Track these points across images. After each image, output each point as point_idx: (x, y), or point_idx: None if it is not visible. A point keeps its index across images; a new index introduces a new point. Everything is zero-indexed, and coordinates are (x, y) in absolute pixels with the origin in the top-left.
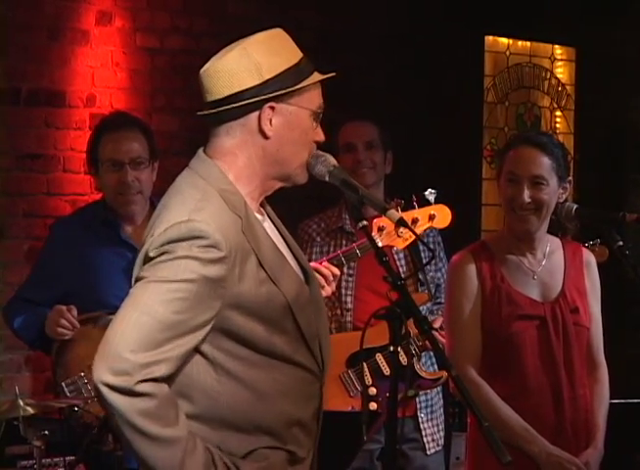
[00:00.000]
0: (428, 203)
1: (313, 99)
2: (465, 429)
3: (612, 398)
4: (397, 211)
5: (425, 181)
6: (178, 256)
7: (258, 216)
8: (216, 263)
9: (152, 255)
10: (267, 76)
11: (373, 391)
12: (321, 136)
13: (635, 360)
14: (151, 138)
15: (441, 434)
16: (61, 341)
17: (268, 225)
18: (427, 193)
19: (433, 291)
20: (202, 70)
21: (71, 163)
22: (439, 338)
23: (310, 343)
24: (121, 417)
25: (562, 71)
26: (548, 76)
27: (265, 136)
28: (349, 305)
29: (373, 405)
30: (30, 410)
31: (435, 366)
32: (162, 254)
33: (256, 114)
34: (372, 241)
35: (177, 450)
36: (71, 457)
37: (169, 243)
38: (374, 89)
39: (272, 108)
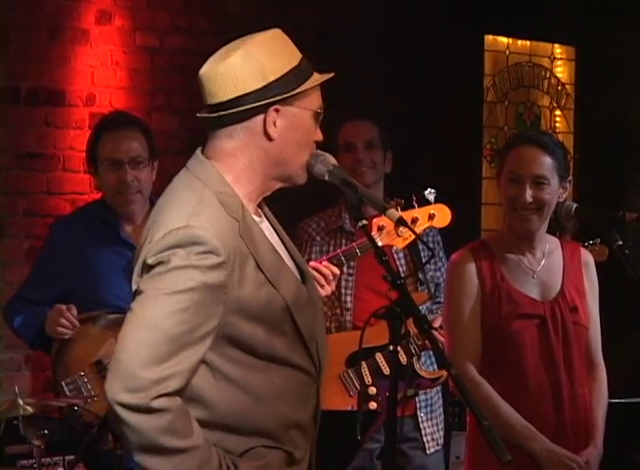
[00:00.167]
0: (427, 202)
1: (314, 100)
2: (465, 428)
3: (612, 397)
4: (397, 210)
5: (424, 180)
6: (177, 265)
7: (256, 218)
8: (215, 269)
9: (150, 262)
10: (271, 79)
11: (373, 390)
12: (320, 136)
13: (635, 360)
14: (150, 137)
15: (441, 433)
16: (61, 340)
17: (266, 226)
18: (426, 192)
19: (432, 290)
20: (202, 73)
21: (71, 162)
22: (439, 337)
23: (309, 344)
24: (141, 436)
25: (562, 71)
26: (548, 76)
27: (270, 138)
28: (349, 305)
29: (373, 405)
30: (30, 409)
31: (435, 366)
32: (160, 263)
33: (262, 116)
34: (372, 240)
35: (195, 460)
36: (71, 456)
37: (167, 249)
38: (374, 89)
39: (277, 110)
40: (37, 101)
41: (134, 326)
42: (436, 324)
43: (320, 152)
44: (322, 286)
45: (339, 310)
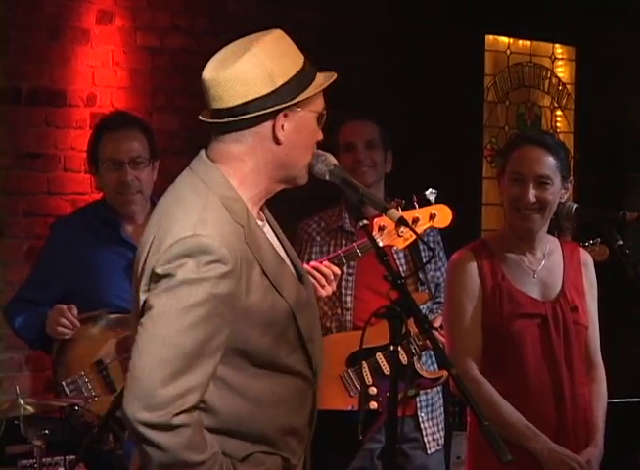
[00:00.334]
0: (428, 202)
1: (318, 101)
2: (465, 428)
3: (612, 397)
4: (398, 210)
5: (425, 181)
6: (186, 279)
7: (259, 222)
8: (224, 279)
9: (159, 272)
10: (280, 83)
11: (373, 390)
12: (321, 136)
13: (635, 360)
14: (151, 137)
15: (442, 433)
16: (61, 340)
17: (268, 230)
18: (427, 192)
19: (432, 290)
20: (208, 78)
21: (72, 162)
22: (439, 337)
23: (308, 345)
24: (164, 454)
25: (562, 71)
26: (548, 76)
27: (278, 142)
28: (350, 305)
29: (373, 405)
30: (31, 409)
31: (436, 365)
32: (169, 275)
33: (271, 121)
34: (372, 240)
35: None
36: (72, 457)
37: (176, 260)
38: (374, 89)
39: (285, 115)
40: (38, 101)
41: (148, 343)
42: (437, 324)
43: (321, 152)
44: (323, 286)
45: (339, 310)
